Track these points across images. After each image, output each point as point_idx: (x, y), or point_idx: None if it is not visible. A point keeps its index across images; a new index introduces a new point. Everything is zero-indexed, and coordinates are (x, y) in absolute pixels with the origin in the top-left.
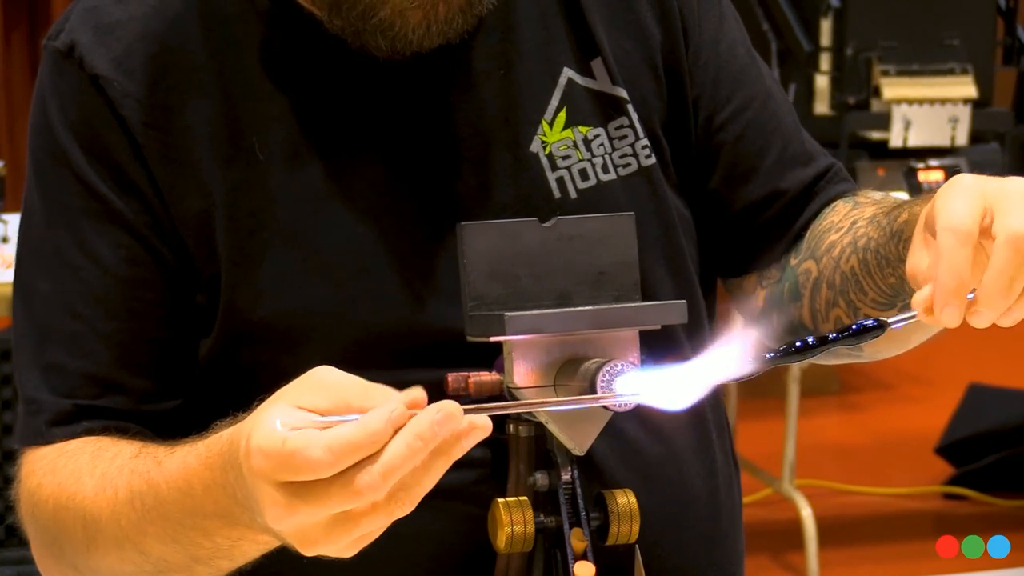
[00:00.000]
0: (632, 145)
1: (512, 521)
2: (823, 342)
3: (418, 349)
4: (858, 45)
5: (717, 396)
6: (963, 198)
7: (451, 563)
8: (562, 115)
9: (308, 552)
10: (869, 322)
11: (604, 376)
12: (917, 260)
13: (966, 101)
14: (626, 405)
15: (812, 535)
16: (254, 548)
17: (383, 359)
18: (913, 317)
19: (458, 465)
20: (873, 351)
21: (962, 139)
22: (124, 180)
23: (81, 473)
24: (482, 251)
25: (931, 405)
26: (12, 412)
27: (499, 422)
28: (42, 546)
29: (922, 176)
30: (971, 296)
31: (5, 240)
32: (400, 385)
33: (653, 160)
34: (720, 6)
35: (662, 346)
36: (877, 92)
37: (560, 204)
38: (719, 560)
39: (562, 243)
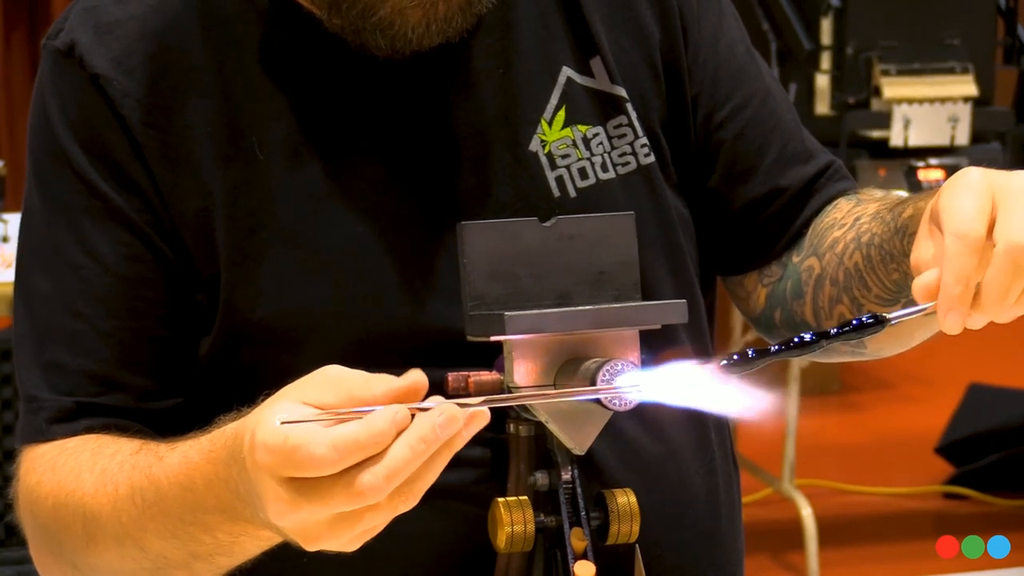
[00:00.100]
0: (631, 144)
1: (512, 521)
2: (822, 338)
3: (418, 349)
4: (858, 44)
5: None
6: (970, 196)
7: (451, 563)
8: (561, 114)
9: (310, 548)
10: (867, 318)
11: (604, 375)
12: (921, 251)
13: (966, 100)
14: (626, 405)
15: (812, 535)
16: (255, 544)
17: (383, 359)
18: (912, 313)
19: (458, 465)
20: (876, 348)
21: (963, 138)
22: (124, 179)
23: (81, 470)
24: (482, 251)
25: (931, 405)
26: (12, 411)
27: (499, 422)
28: (40, 544)
29: (922, 175)
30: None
31: (5, 240)
32: None
33: (652, 159)
34: (719, 4)
35: (662, 345)
36: (877, 91)
37: (559, 203)
38: (719, 559)
39: (562, 243)
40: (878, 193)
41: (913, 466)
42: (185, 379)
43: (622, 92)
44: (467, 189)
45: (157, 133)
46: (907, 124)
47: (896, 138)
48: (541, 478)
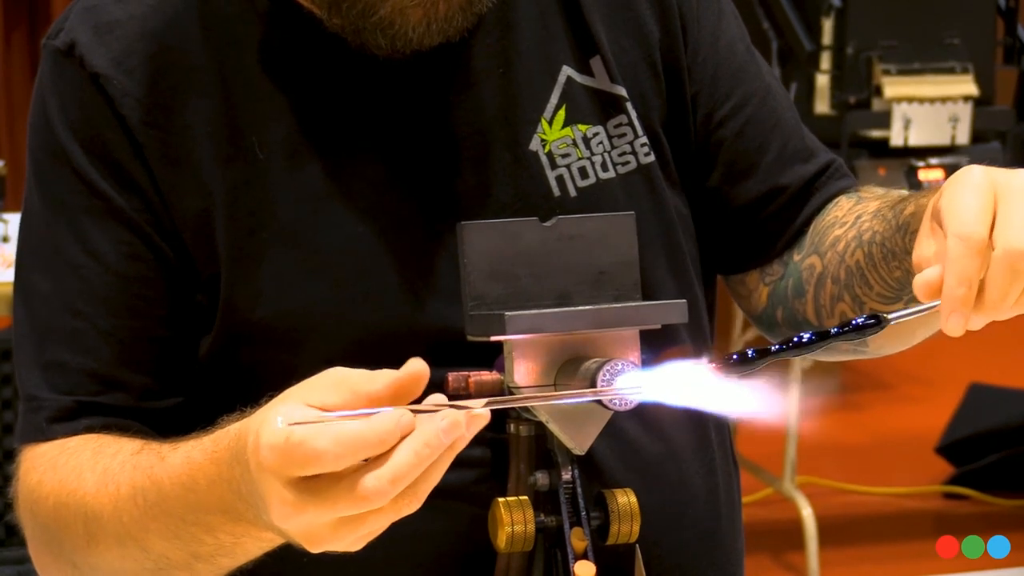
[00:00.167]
0: (631, 143)
1: (512, 520)
2: (823, 338)
3: (418, 348)
4: (859, 44)
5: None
6: (972, 196)
7: (451, 563)
8: (561, 113)
9: (314, 549)
10: (868, 318)
11: (605, 375)
12: (923, 249)
13: (967, 99)
14: (627, 404)
15: (812, 534)
16: (257, 545)
17: (383, 358)
18: (912, 313)
19: (459, 465)
20: (878, 347)
21: (963, 138)
22: (124, 178)
23: (82, 469)
24: (482, 251)
25: (931, 405)
26: (12, 411)
27: (499, 422)
28: (40, 543)
29: (923, 175)
30: None
31: (6, 239)
32: None
33: (652, 158)
34: (719, 3)
35: (663, 345)
36: (878, 91)
37: (560, 202)
38: (719, 559)
39: (562, 243)
40: (879, 190)
41: (913, 466)
42: (185, 379)
43: (622, 91)
44: (467, 189)
45: (157, 133)
46: (907, 124)
47: (896, 138)
48: (541, 478)
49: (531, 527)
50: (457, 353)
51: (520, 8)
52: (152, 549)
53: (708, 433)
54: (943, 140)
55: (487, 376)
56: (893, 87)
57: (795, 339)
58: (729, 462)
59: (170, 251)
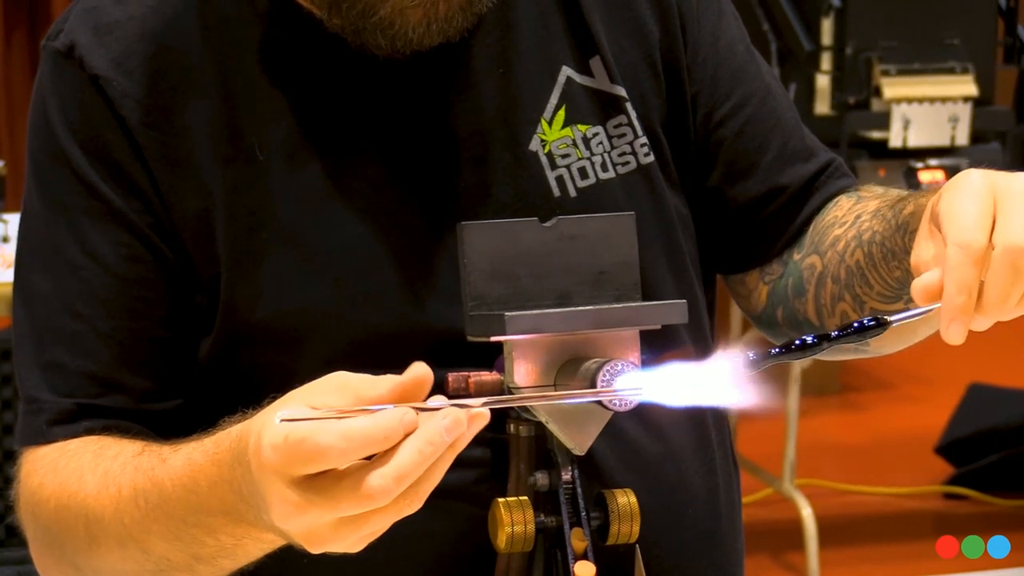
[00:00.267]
0: (631, 143)
1: (512, 521)
2: (824, 340)
3: (418, 349)
4: (858, 44)
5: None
6: (971, 201)
7: (451, 563)
8: (561, 113)
9: (315, 550)
10: (869, 321)
11: (605, 376)
12: (921, 251)
13: (966, 100)
14: (627, 405)
15: (812, 535)
16: (258, 547)
17: (383, 359)
18: (913, 316)
19: (459, 465)
20: (878, 346)
21: (962, 138)
22: (124, 179)
23: (83, 471)
24: (482, 251)
25: (931, 405)
26: (12, 412)
27: (499, 422)
28: (42, 546)
29: (922, 176)
30: None
31: (6, 240)
32: None
33: (652, 158)
34: (718, 3)
35: (663, 345)
36: (878, 92)
37: (559, 203)
38: (719, 559)
39: (562, 243)
40: (879, 189)
41: (913, 466)
42: (185, 380)
43: (622, 92)
44: (467, 189)
45: (157, 134)
46: (907, 124)
47: (896, 138)
48: (541, 478)
49: (531, 527)
50: (457, 353)
51: (520, 8)
52: (153, 551)
53: (708, 433)
54: (943, 141)
55: (487, 376)
56: (893, 87)
57: (798, 341)
58: (729, 462)
59: (170, 252)
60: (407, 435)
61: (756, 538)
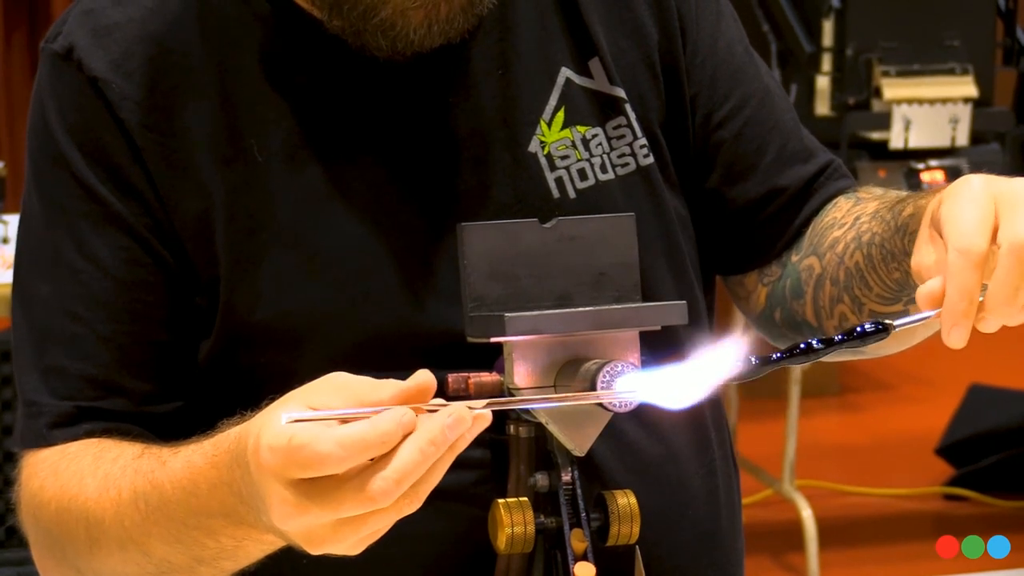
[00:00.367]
0: (630, 145)
1: (512, 522)
2: (828, 344)
3: (418, 350)
4: (859, 46)
5: (716, 396)
6: (972, 208)
7: (451, 564)
8: (560, 115)
9: (315, 551)
10: (872, 325)
11: (604, 377)
12: (922, 256)
13: (966, 101)
14: (627, 406)
15: (812, 536)
16: (258, 548)
17: (383, 360)
18: (917, 320)
19: (459, 466)
20: (878, 347)
21: (962, 139)
22: (123, 182)
23: (84, 475)
24: (482, 252)
25: (931, 406)
26: (12, 413)
27: (499, 423)
28: (44, 548)
29: (923, 177)
30: (980, 299)
31: (5, 241)
32: None
33: (651, 160)
34: (717, 4)
35: (662, 346)
36: (878, 93)
37: (559, 204)
38: (719, 560)
39: (562, 244)
40: (877, 191)
41: (913, 467)
42: (185, 383)
43: (621, 93)
44: (467, 190)
45: (156, 136)
46: (907, 125)
47: (896, 139)
48: (541, 479)
49: (531, 528)
50: (457, 354)
51: (519, 9)
52: (154, 553)
53: (708, 434)
54: (943, 142)
55: (487, 377)
56: (893, 88)
57: (802, 345)
58: (729, 463)
59: (169, 255)
60: (407, 435)
61: (756, 539)
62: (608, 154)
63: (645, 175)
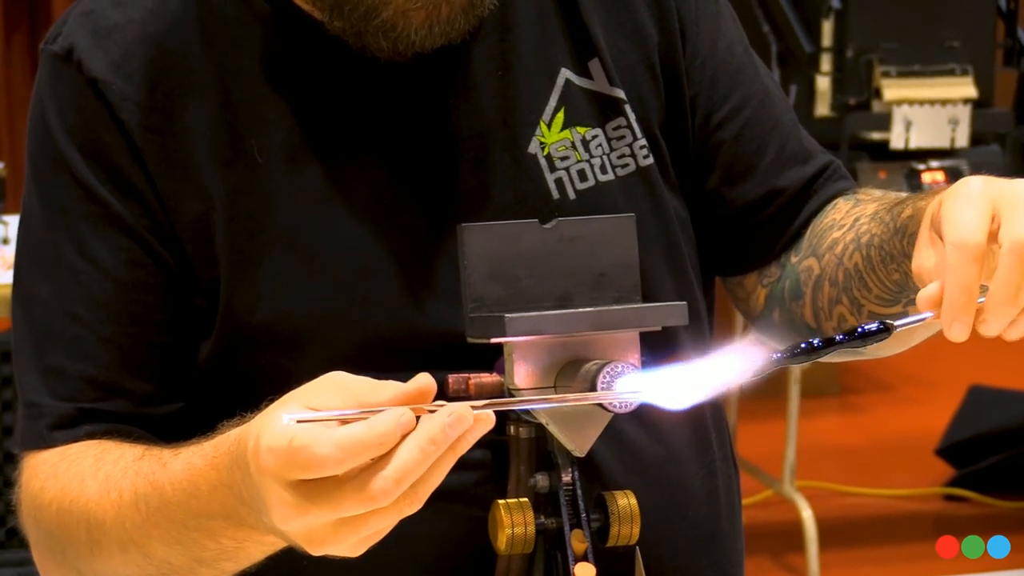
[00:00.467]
0: (630, 146)
1: (513, 522)
2: (829, 344)
3: (418, 351)
4: (859, 46)
5: (716, 397)
6: (970, 206)
7: (452, 564)
8: (560, 116)
9: (315, 552)
10: (874, 325)
11: (605, 377)
12: (923, 259)
13: (966, 102)
14: (627, 406)
15: (812, 536)
16: (259, 549)
17: (383, 361)
18: (918, 320)
19: (459, 467)
20: (877, 348)
21: (962, 140)
22: (123, 183)
23: (84, 476)
24: (482, 252)
25: (932, 406)
26: (12, 414)
27: (500, 424)
28: (44, 550)
29: (923, 178)
30: (981, 300)
31: (6, 241)
32: None
33: (651, 160)
34: (717, 5)
35: (662, 347)
36: (878, 93)
37: (559, 205)
38: (719, 561)
39: (562, 244)
40: (877, 192)
41: (913, 468)
42: (185, 384)
43: (620, 94)
44: (467, 191)
45: (156, 137)
46: (908, 126)
47: (897, 140)
48: (541, 480)
49: (531, 529)
50: (457, 355)
51: (519, 10)
52: (155, 555)
53: (708, 435)
54: (943, 143)
55: (487, 378)
56: (893, 89)
57: (803, 345)
58: (729, 464)
59: (169, 256)
60: (406, 436)
61: (756, 540)
62: (608, 155)
63: (645, 176)
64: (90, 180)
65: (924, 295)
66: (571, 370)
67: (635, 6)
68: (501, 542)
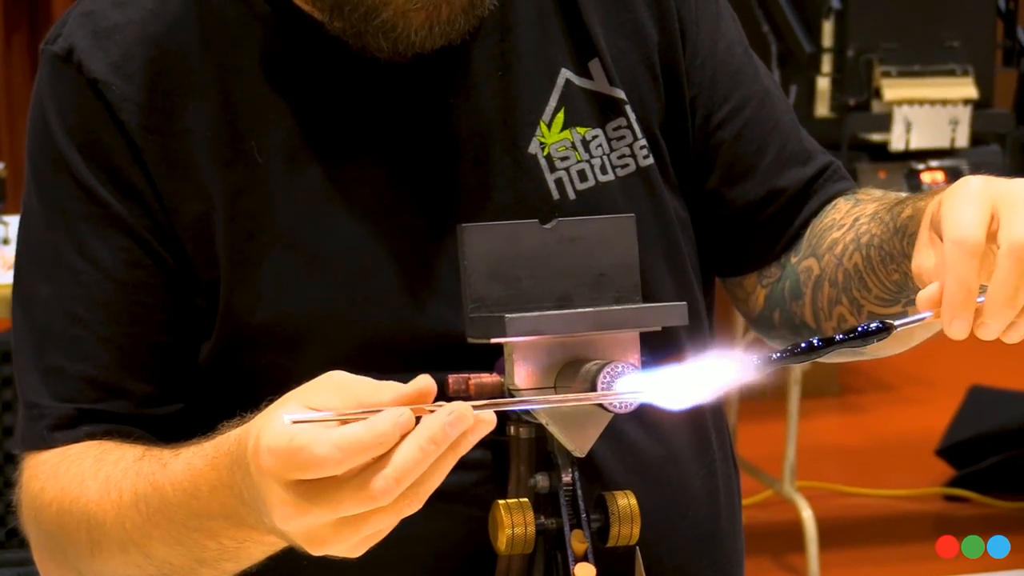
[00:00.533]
0: (630, 146)
1: (513, 523)
2: (829, 344)
3: (419, 351)
4: (859, 47)
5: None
6: (969, 205)
7: (452, 565)
8: (560, 116)
9: (316, 552)
10: (874, 324)
11: (605, 378)
12: (923, 259)
13: (966, 102)
14: (627, 406)
15: (813, 537)
16: (260, 549)
17: (383, 362)
18: (918, 320)
19: (459, 467)
20: (876, 348)
21: (962, 140)
22: (123, 184)
23: (84, 477)
24: (482, 253)
25: (932, 407)
26: (12, 415)
27: (500, 424)
28: (45, 551)
29: (923, 178)
30: (981, 300)
31: (6, 242)
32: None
33: (651, 161)
34: (717, 5)
35: (662, 347)
36: (878, 94)
37: (559, 205)
38: (719, 561)
39: (563, 244)
40: (876, 192)
41: (914, 468)
42: (186, 384)
43: (621, 94)
44: (467, 191)
45: (156, 137)
46: (908, 127)
47: (897, 141)
48: (542, 480)
49: (531, 529)
50: (458, 355)
51: (519, 11)
52: (155, 555)
53: (708, 435)
54: (943, 143)
55: (487, 378)
56: (893, 89)
57: (803, 344)
58: (729, 464)
59: (169, 256)
60: (405, 435)
61: (756, 540)
62: (608, 155)
63: (645, 176)
64: (90, 180)
65: (924, 296)
66: (571, 370)
67: (635, 6)
68: (501, 542)
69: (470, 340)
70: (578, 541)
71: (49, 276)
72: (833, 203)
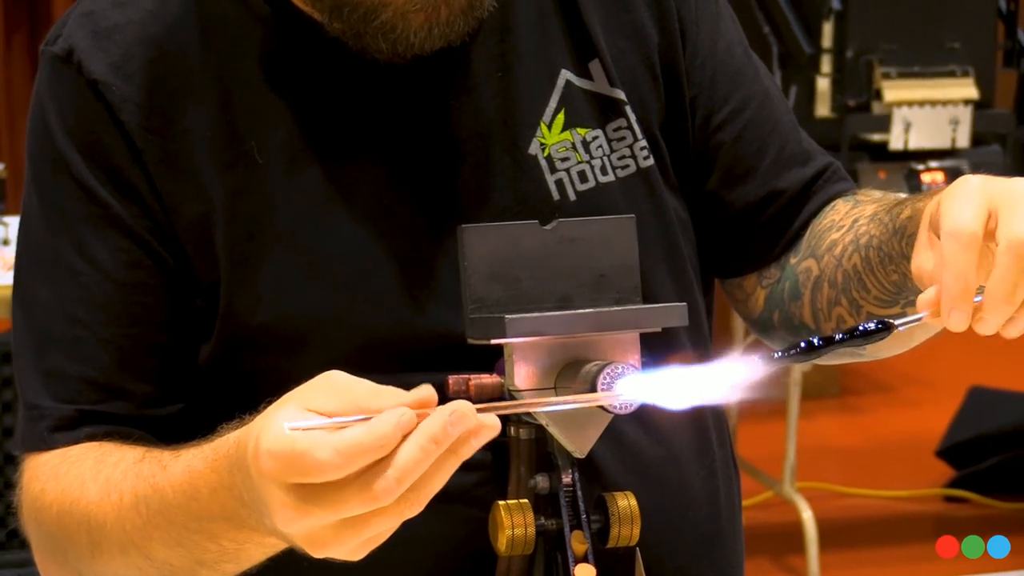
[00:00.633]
0: (630, 147)
1: (513, 524)
2: (829, 343)
3: (419, 352)
4: (859, 47)
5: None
6: (967, 201)
7: (452, 565)
8: (560, 117)
9: (317, 554)
10: (875, 324)
11: (605, 378)
12: (922, 260)
13: (967, 102)
14: (627, 407)
15: (813, 537)
16: (260, 551)
17: (384, 363)
18: (919, 319)
19: (459, 468)
20: (875, 349)
21: (963, 141)
22: (123, 185)
23: (85, 478)
24: (482, 254)
25: (932, 408)
26: (13, 416)
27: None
28: (45, 552)
29: (923, 178)
30: (978, 300)
31: (6, 243)
32: (402, 388)
33: (651, 161)
34: (717, 6)
35: (662, 348)
36: (878, 94)
37: (559, 206)
38: (719, 561)
39: (563, 245)
40: (876, 193)
41: (914, 469)
42: (186, 386)
43: (621, 95)
44: (467, 192)
45: (156, 138)
46: (907, 127)
47: (896, 141)
48: (542, 481)
49: (531, 530)
50: (458, 356)
51: (519, 11)
52: (156, 557)
53: (708, 436)
54: (943, 143)
55: (488, 379)
56: (893, 90)
57: (803, 344)
58: (729, 465)
59: (170, 257)
60: (407, 435)
61: (756, 541)
62: (608, 156)
63: (645, 177)
64: (90, 181)
65: (924, 299)
66: (571, 371)
67: (635, 7)
68: (501, 543)
69: (470, 341)
70: (578, 542)
71: (49, 277)
72: (832, 204)
